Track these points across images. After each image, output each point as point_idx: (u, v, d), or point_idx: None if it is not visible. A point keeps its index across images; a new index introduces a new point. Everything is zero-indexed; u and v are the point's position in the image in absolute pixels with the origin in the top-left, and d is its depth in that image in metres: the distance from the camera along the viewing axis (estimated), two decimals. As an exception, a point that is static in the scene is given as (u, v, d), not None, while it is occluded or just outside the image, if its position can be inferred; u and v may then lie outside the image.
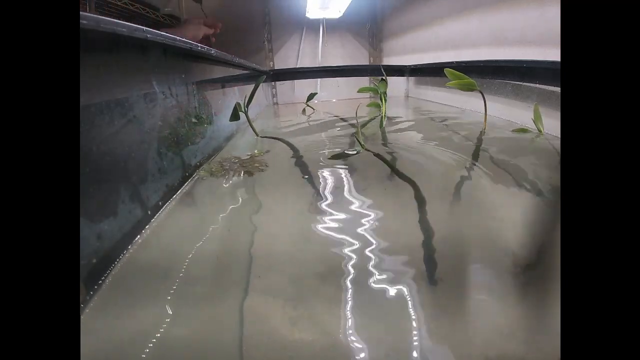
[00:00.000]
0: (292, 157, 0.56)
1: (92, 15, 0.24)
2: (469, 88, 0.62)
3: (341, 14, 1.45)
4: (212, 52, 0.59)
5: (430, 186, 0.40)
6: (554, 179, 0.41)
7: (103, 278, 0.25)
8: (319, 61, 1.64)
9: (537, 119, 0.62)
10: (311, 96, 1.20)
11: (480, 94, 0.66)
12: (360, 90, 0.94)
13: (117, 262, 0.27)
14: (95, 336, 0.20)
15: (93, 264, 0.24)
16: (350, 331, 0.20)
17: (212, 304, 0.23)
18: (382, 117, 0.80)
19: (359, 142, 0.56)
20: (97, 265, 0.25)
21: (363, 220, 0.33)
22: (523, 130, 0.65)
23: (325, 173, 0.46)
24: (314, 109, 1.17)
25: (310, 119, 1.01)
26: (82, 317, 0.21)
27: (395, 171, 0.46)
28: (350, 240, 0.29)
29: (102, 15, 0.25)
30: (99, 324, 0.21)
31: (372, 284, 0.24)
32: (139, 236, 0.30)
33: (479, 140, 0.61)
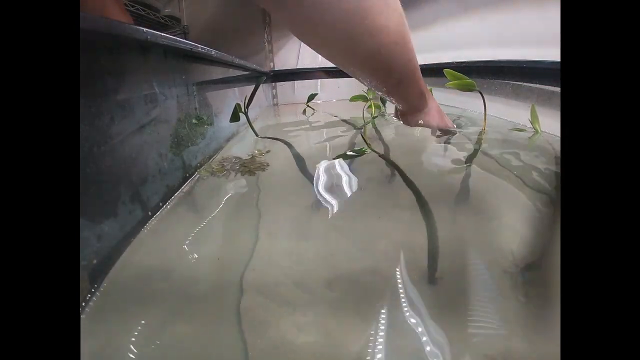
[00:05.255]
0: (294, 157, 0.56)
1: (92, 16, 0.24)
2: (468, 89, 0.62)
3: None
4: (212, 52, 0.59)
5: (431, 188, 0.40)
6: (549, 175, 0.41)
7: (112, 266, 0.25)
8: (319, 62, 1.64)
9: (534, 119, 0.63)
10: (312, 97, 1.19)
11: (476, 94, 0.65)
12: (353, 99, 0.95)
13: (118, 260, 0.27)
14: (93, 339, 0.20)
15: (100, 258, 0.24)
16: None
17: (211, 304, 0.23)
18: (371, 119, 0.82)
19: (365, 141, 0.56)
20: (107, 255, 0.25)
21: (363, 220, 0.33)
22: (521, 130, 0.65)
23: (328, 172, 0.46)
24: (314, 110, 1.17)
25: (311, 119, 1.01)
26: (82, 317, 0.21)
27: (399, 172, 0.46)
28: (353, 240, 0.29)
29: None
30: (97, 325, 0.21)
31: (373, 284, 0.24)
32: (138, 235, 0.30)
33: (478, 139, 0.61)
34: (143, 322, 0.21)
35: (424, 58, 1.26)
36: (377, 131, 0.75)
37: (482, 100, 0.67)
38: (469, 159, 0.50)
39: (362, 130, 0.77)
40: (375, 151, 0.54)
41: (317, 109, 1.19)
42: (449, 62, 0.91)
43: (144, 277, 0.26)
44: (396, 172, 0.45)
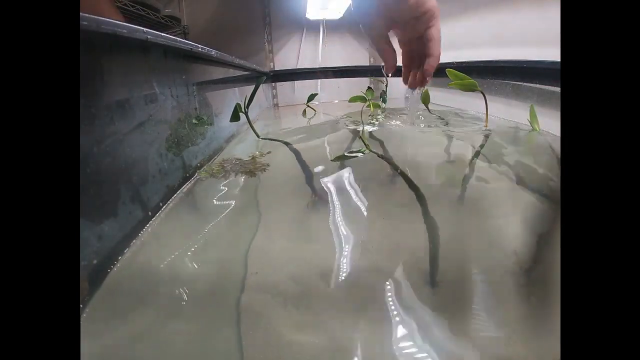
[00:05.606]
0: (294, 158, 0.56)
1: (92, 16, 0.24)
2: (470, 89, 0.62)
3: (341, 15, 1.45)
4: (212, 52, 0.59)
5: (432, 187, 0.40)
6: (548, 173, 0.41)
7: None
8: (319, 62, 1.64)
9: (533, 119, 0.63)
10: (311, 97, 1.16)
11: (480, 95, 0.66)
12: (352, 100, 0.95)
13: (119, 259, 0.27)
14: (94, 338, 0.20)
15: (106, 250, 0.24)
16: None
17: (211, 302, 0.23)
18: (361, 124, 0.83)
19: (364, 143, 0.56)
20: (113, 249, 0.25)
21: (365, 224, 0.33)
22: (521, 130, 0.66)
23: (328, 173, 0.46)
24: (315, 110, 1.16)
25: (311, 120, 1.01)
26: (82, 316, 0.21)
27: (400, 173, 0.46)
28: (350, 241, 0.29)
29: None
30: (98, 324, 0.21)
31: (368, 283, 0.24)
32: (138, 236, 0.30)
33: (481, 138, 0.62)
34: (144, 322, 0.21)
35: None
36: (375, 131, 0.75)
37: (480, 100, 0.67)
38: (471, 159, 0.50)
39: (361, 130, 0.77)
40: (373, 151, 0.54)
41: (317, 110, 1.18)
42: (449, 62, 0.91)
43: (144, 278, 0.26)
44: (396, 172, 0.45)
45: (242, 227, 0.33)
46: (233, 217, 0.35)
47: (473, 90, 0.63)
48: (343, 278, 0.25)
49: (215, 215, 0.36)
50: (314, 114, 1.11)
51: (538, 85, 0.67)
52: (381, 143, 0.63)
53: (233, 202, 0.39)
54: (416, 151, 0.59)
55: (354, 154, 0.52)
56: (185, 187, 0.43)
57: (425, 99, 0.95)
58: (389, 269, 0.25)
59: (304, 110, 1.15)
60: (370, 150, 0.54)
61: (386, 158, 0.52)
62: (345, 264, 0.26)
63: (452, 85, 0.63)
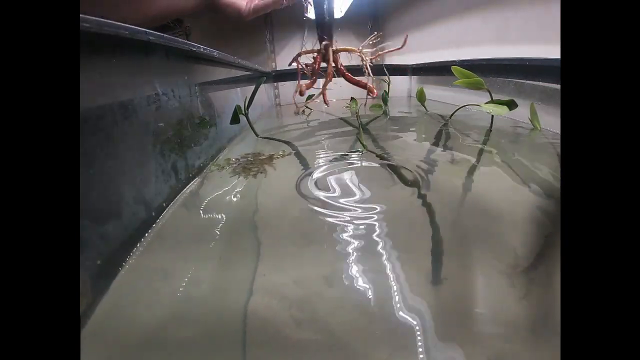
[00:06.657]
0: (295, 157, 0.57)
1: (94, 18, 0.24)
2: (477, 87, 0.62)
3: (342, 14, 1.45)
4: (215, 53, 0.60)
5: (431, 185, 0.40)
6: (549, 171, 0.40)
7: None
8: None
9: (533, 116, 0.63)
10: (309, 98, 1.22)
11: (483, 93, 0.65)
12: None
13: (122, 261, 0.27)
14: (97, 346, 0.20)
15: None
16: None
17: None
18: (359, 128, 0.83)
19: (361, 143, 0.56)
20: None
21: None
22: (523, 128, 0.66)
23: (328, 172, 0.46)
24: (311, 109, 1.20)
25: (311, 119, 1.02)
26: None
27: (397, 173, 0.46)
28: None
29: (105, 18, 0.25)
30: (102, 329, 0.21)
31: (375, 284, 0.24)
32: (142, 237, 0.31)
33: (486, 138, 0.61)
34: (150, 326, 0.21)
35: (426, 57, 1.26)
36: (373, 130, 0.75)
37: (484, 99, 0.67)
38: (477, 157, 0.50)
39: (359, 131, 0.77)
40: (371, 151, 0.54)
41: (316, 109, 1.21)
42: (452, 61, 0.91)
43: (148, 278, 0.26)
44: (395, 171, 0.45)
45: (244, 227, 0.34)
46: (234, 217, 0.36)
47: (479, 89, 0.62)
48: (344, 278, 0.25)
49: (218, 215, 0.36)
50: (310, 113, 1.17)
51: (541, 83, 0.66)
52: (379, 141, 0.62)
53: (235, 202, 0.39)
54: (415, 148, 0.58)
55: (352, 153, 0.52)
56: (189, 188, 0.43)
57: (421, 97, 0.95)
58: (391, 267, 0.25)
59: (303, 110, 1.19)
60: (368, 150, 0.54)
61: (384, 158, 0.51)
62: (347, 263, 0.26)
63: (458, 84, 0.62)
